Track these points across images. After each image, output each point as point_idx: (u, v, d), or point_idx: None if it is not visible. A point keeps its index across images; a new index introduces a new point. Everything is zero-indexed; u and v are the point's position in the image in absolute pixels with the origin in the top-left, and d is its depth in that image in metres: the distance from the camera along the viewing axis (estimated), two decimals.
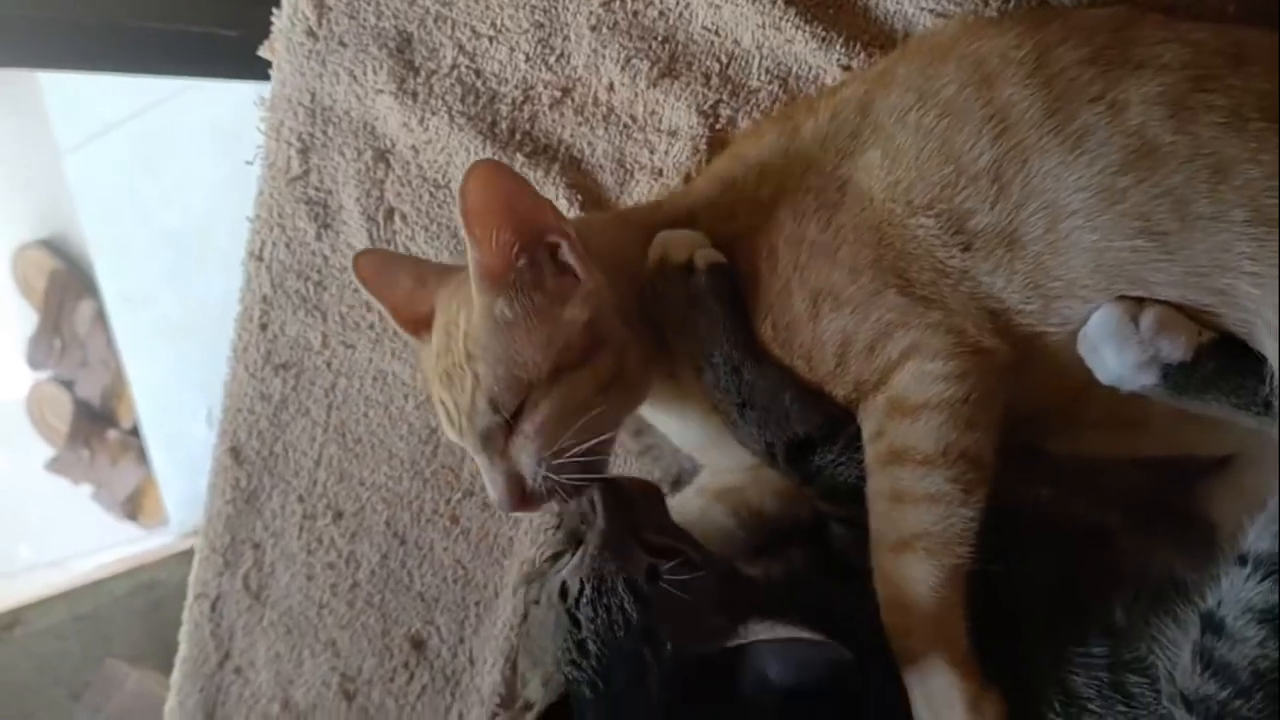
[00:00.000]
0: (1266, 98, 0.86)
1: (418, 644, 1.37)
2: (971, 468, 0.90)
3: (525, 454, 0.96)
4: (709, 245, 1.00)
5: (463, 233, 0.94)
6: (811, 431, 0.96)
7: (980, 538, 0.90)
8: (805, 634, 0.84)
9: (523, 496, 0.97)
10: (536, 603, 0.94)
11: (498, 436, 0.97)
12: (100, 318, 2.88)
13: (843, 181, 0.96)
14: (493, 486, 0.98)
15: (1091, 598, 0.93)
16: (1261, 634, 0.82)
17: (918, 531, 0.90)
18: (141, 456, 2.92)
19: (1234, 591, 0.84)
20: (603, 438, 0.97)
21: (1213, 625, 0.84)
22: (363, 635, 1.39)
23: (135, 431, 2.90)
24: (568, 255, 0.97)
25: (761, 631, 0.86)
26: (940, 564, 0.89)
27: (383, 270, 1.10)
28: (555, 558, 0.95)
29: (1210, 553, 0.91)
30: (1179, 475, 1.01)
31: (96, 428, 2.99)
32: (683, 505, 1.09)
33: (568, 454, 0.95)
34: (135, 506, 3.04)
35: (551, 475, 0.95)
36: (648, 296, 1.02)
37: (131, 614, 2.50)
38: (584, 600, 0.89)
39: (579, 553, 0.92)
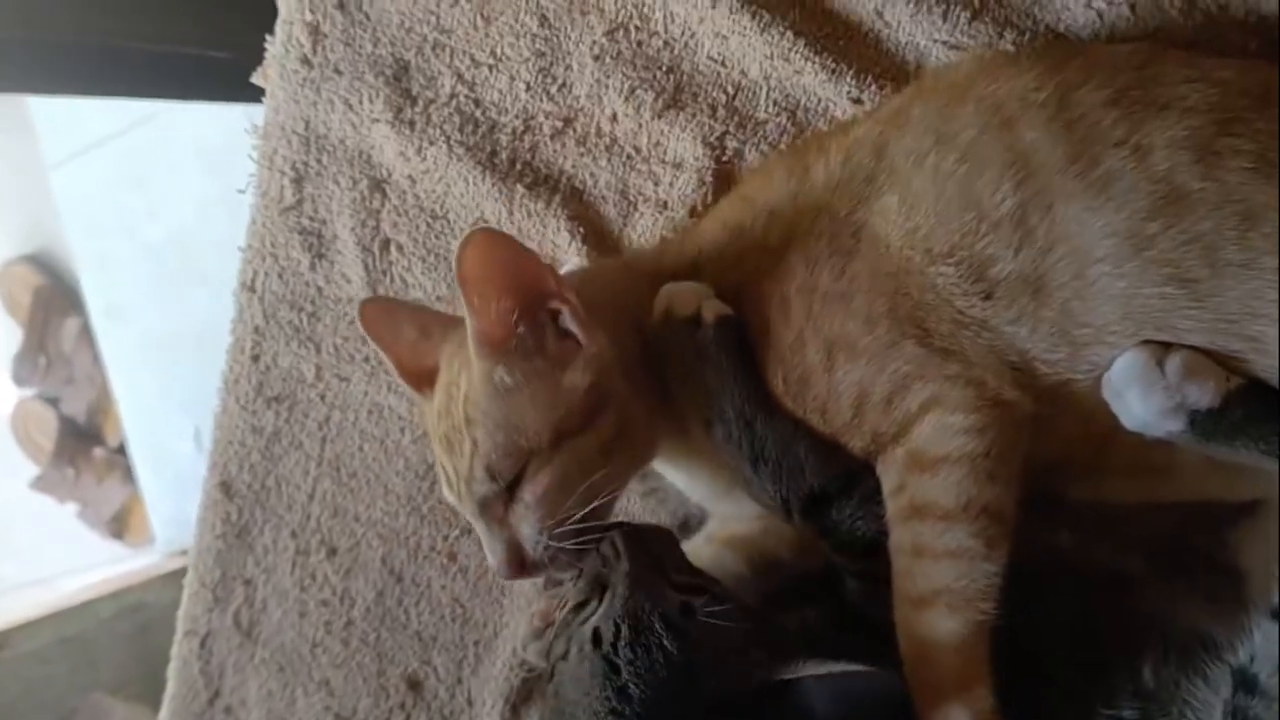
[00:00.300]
0: None
1: (414, 684, 1.34)
2: (993, 522, 0.88)
3: (526, 524, 0.95)
4: (714, 297, 0.98)
5: (460, 299, 0.92)
6: (827, 485, 0.94)
7: (1004, 592, 0.89)
8: (855, 666, 0.82)
9: (522, 565, 0.96)
10: (564, 658, 0.91)
11: (496, 505, 0.96)
12: (86, 334, 2.86)
13: (857, 227, 0.94)
14: (492, 554, 0.97)
15: (1116, 653, 0.91)
16: None
17: (940, 587, 0.88)
18: (128, 475, 2.89)
19: (1267, 647, 0.82)
20: (606, 499, 0.96)
21: (1245, 683, 0.83)
22: (358, 675, 1.36)
23: (121, 449, 2.88)
24: (569, 321, 0.96)
25: (810, 667, 0.84)
26: (964, 620, 0.87)
27: (388, 320, 1.07)
28: (579, 608, 0.92)
29: (1239, 603, 0.90)
30: (1205, 522, 0.99)
31: (82, 445, 2.97)
32: (694, 553, 1.06)
33: (571, 521, 0.93)
34: (121, 525, 3.01)
35: (553, 543, 0.94)
36: (654, 351, 1.00)
37: (118, 638, 2.46)
38: (621, 643, 0.86)
39: (608, 597, 0.89)
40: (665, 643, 0.85)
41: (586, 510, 0.93)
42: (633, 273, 1.06)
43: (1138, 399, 0.87)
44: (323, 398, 1.36)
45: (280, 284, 1.35)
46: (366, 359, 1.34)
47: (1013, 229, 0.88)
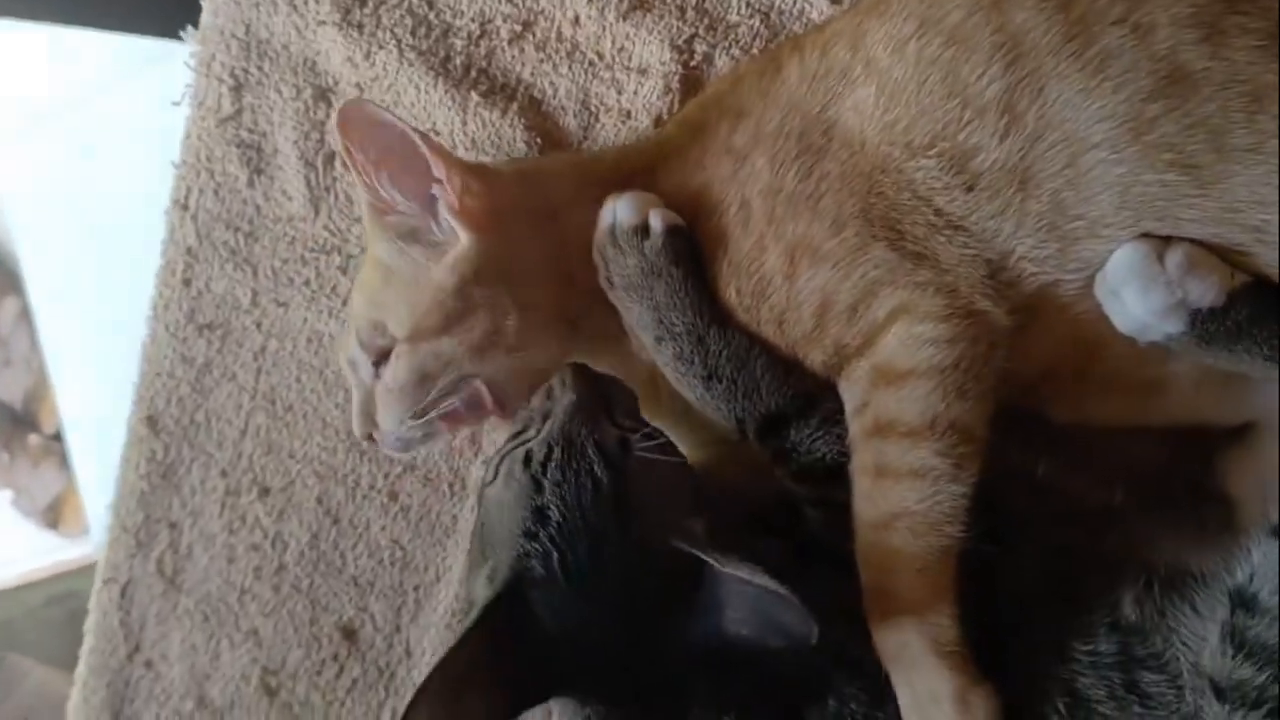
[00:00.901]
0: None
1: (349, 633, 1.28)
2: (962, 440, 0.84)
3: (385, 408, 0.97)
4: (662, 205, 0.93)
5: None
6: (785, 405, 0.91)
7: (972, 516, 0.84)
8: (787, 593, 0.75)
9: (372, 439, 1.00)
10: (491, 483, 0.88)
11: (364, 371, 0.98)
12: (25, 317, 2.75)
13: (829, 125, 0.90)
14: (353, 418, 1.00)
15: (1095, 587, 0.87)
16: None
17: (901, 509, 0.84)
18: (64, 463, 2.80)
19: (1267, 565, 0.78)
20: (473, 395, 0.97)
21: (1244, 602, 0.79)
22: (288, 624, 1.29)
23: (58, 437, 2.78)
24: (443, 211, 0.92)
25: (742, 570, 0.77)
26: (927, 544, 0.83)
27: (372, 134, 0.95)
28: (516, 435, 0.90)
29: (1229, 532, 0.87)
30: (1190, 449, 0.96)
31: (17, 431, 2.85)
32: None
33: (431, 411, 0.95)
34: (56, 515, 2.92)
35: (406, 434, 0.97)
36: (597, 264, 0.95)
37: (47, 624, 2.40)
38: (551, 464, 0.84)
39: (547, 424, 0.87)
40: (595, 469, 0.83)
41: (448, 403, 0.95)
42: (581, 173, 1.01)
43: (1135, 296, 0.82)
44: (259, 325, 1.31)
45: (216, 201, 1.29)
46: (307, 282, 1.28)
47: (999, 115, 0.84)
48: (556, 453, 0.84)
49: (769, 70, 0.95)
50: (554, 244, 0.96)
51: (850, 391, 0.88)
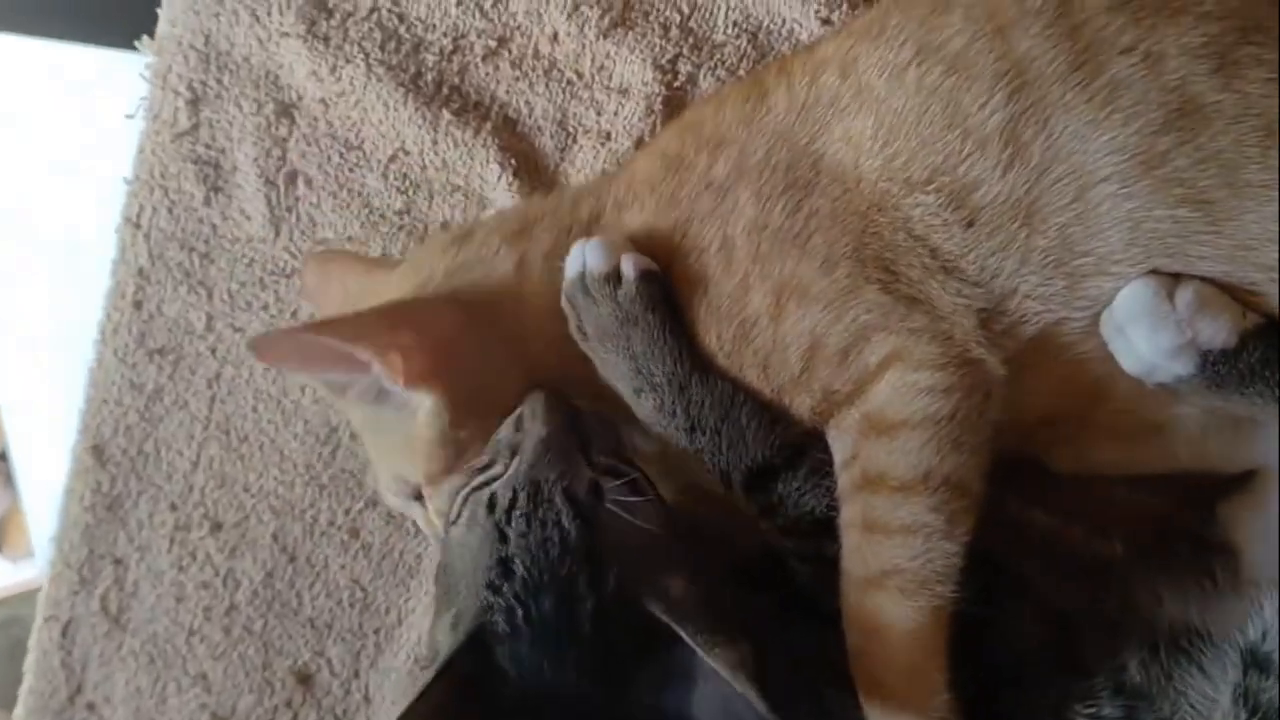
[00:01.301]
0: None
1: (304, 679, 1.22)
2: (955, 495, 0.81)
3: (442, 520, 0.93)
4: (633, 250, 0.89)
5: None
6: (771, 456, 0.87)
7: (965, 575, 0.81)
8: (761, 708, 0.71)
9: None
10: (454, 522, 0.84)
11: (411, 507, 0.97)
12: None
13: (818, 157, 0.86)
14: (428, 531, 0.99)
15: (1097, 648, 0.86)
16: None
17: (891, 568, 0.80)
18: (8, 483, 2.71)
19: None
20: None
21: (1257, 662, 0.78)
22: (239, 668, 1.24)
23: (3, 456, 2.70)
24: (386, 384, 0.90)
25: (721, 667, 0.72)
26: (917, 605, 0.80)
27: (325, 278, 1.03)
28: (483, 470, 0.85)
29: (1234, 584, 0.86)
30: (1191, 498, 0.95)
31: None
32: None
33: None
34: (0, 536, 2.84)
35: None
36: (566, 313, 0.91)
37: None
38: (516, 513, 0.80)
39: (514, 461, 0.83)
40: (564, 520, 0.78)
41: None
42: (524, 240, 0.95)
43: (1144, 335, 0.79)
44: (213, 351, 1.26)
45: (170, 220, 1.25)
46: (265, 307, 1.24)
47: (1002, 147, 0.81)
48: (521, 500, 0.80)
49: (753, 97, 0.91)
50: (515, 342, 0.92)
51: (839, 441, 0.85)
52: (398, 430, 0.91)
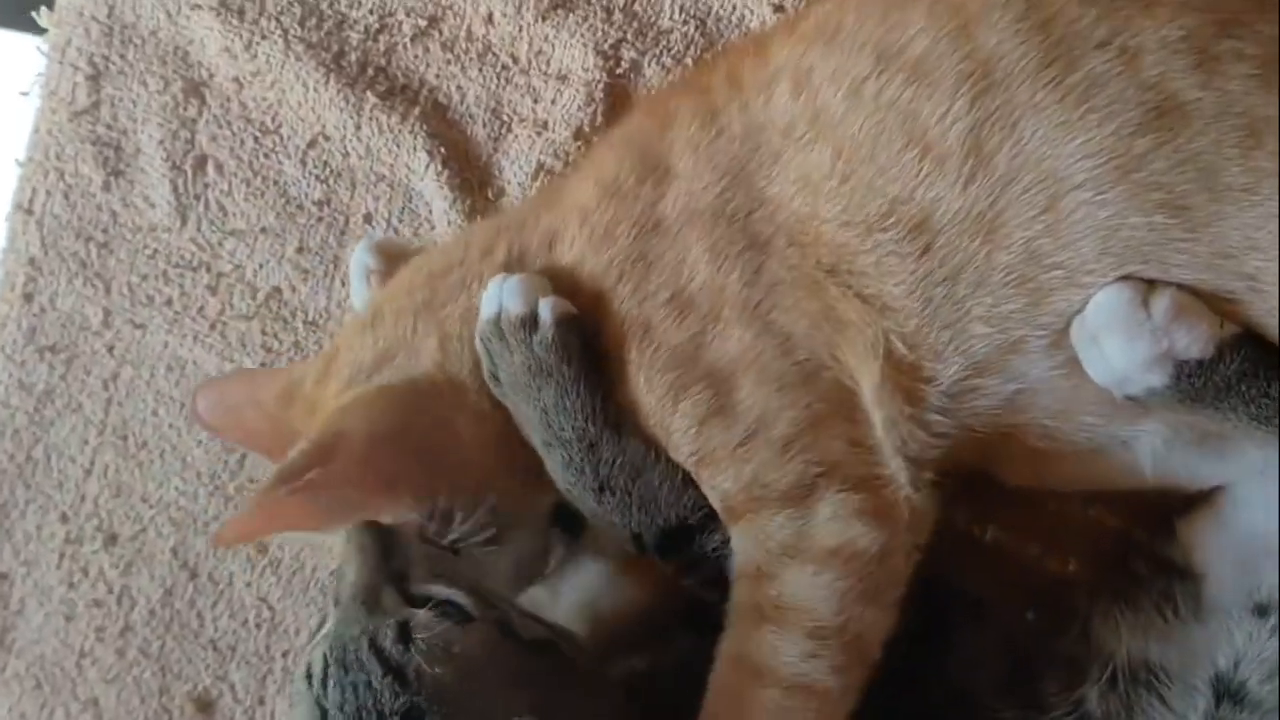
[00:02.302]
0: None
1: (204, 705, 1.16)
2: (862, 658, 0.79)
3: None
4: (552, 292, 0.86)
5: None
6: (686, 516, 0.85)
7: (918, 597, 0.81)
8: None
9: None
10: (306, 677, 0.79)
11: None
12: None
13: (775, 206, 0.83)
14: None
15: (1055, 679, 0.85)
16: None
17: None
18: None
19: (1255, 649, 0.77)
20: None
21: (1230, 692, 0.77)
22: (134, 693, 1.18)
23: None
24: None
25: None
26: None
27: (228, 408, 0.99)
28: (320, 625, 0.82)
29: (1196, 613, 0.84)
30: (1149, 514, 0.92)
31: None
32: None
33: None
34: None
35: None
36: (480, 355, 0.88)
37: None
38: (330, 683, 0.74)
39: (329, 620, 0.79)
40: (373, 681, 0.73)
41: None
42: (443, 305, 0.91)
43: (1118, 345, 0.76)
44: (110, 349, 1.22)
45: (65, 206, 1.23)
46: (169, 302, 1.21)
47: (963, 158, 0.77)
48: (332, 668, 0.74)
49: (702, 115, 0.87)
50: (468, 426, 0.89)
51: (750, 545, 0.81)
52: None
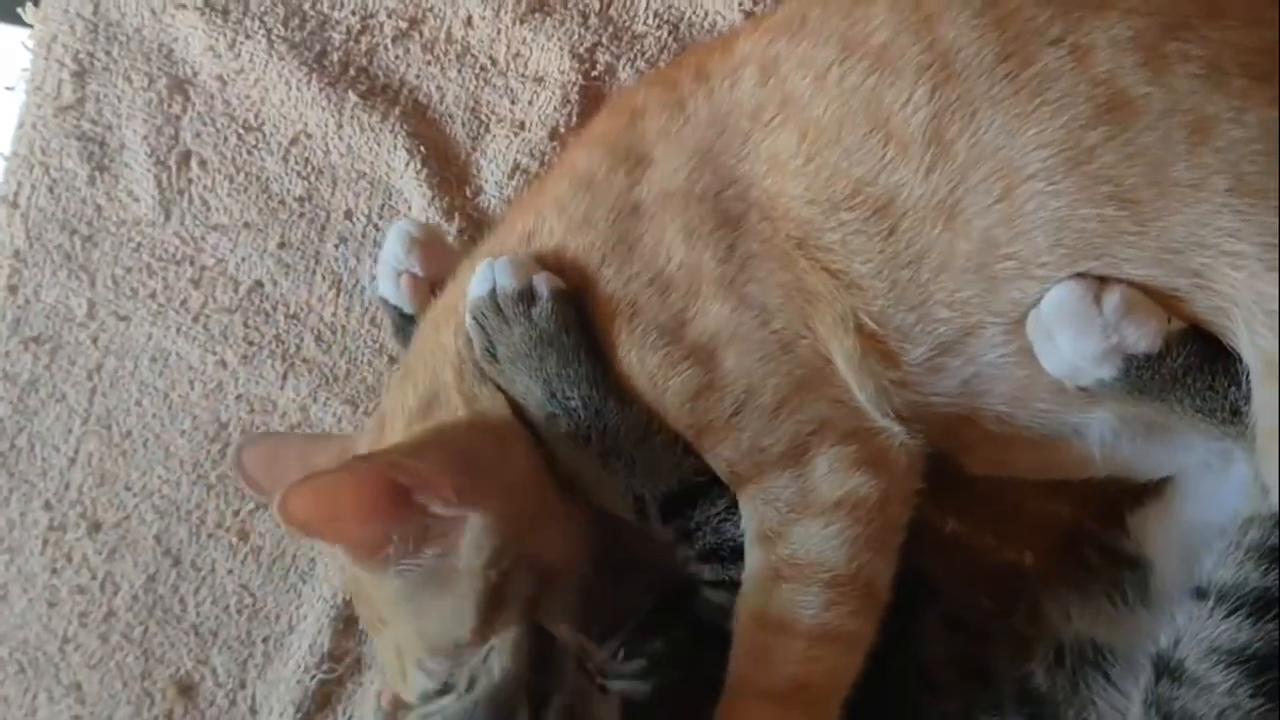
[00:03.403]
0: (1246, 53, 0.78)
1: (186, 689, 1.17)
2: (875, 600, 0.82)
3: None
4: (542, 269, 0.87)
5: None
6: (689, 482, 0.86)
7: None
8: None
9: None
10: None
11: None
12: None
13: (746, 185, 0.85)
14: None
15: (1004, 657, 0.88)
16: (1231, 679, 0.75)
17: (805, 679, 0.81)
18: None
19: (1194, 628, 0.78)
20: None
21: (1169, 669, 0.78)
22: (116, 677, 1.18)
23: None
24: (438, 509, 0.84)
25: None
26: (827, 710, 0.81)
27: (273, 463, 0.97)
28: (441, 692, 0.79)
29: (1144, 600, 0.87)
30: (1102, 506, 0.95)
31: None
32: None
33: None
34: None
35: None
36: (472, 335, 0.89)
37: None
38: None
39: (458, 702, 0.76)
40: None
41: None
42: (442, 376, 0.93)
43: (1070, 339, 0.78)
44: (95, 340, 1.22)
45: (50, 199, 1.23)
46: (153, 295, 1.21)
47: (925, 146, 0.79)
48: None
49: (670, 105, 0.89)
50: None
51: (761, 510, 0.84)
52: (436, 584, 0.86)
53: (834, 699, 0.81)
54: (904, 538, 0.83)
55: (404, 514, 0.83)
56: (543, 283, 0.86)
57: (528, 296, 0.85)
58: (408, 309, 1.01)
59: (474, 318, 0.87)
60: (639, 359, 0.85)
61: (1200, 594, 0.79)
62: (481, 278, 0.87)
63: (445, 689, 0.78)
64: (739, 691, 0.81)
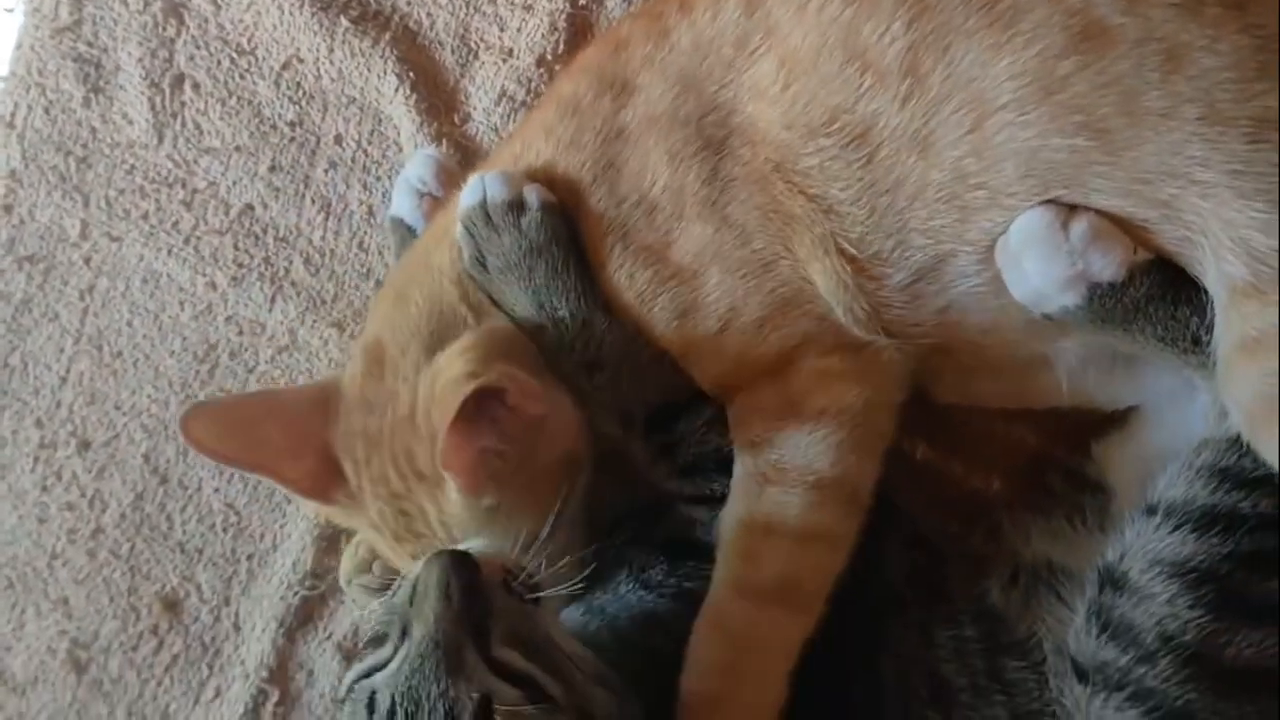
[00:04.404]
0: None
1: (171, 604, 1.17)
2: (859, 505, 0.84)
3: None
4: (532, 182, 0.88)
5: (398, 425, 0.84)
6: (673, 395, 0.87)
7: None
8: None
9: None
10: (342, 701, 0.77)
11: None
12: None
13: (727, 111, 0.85)
14: None
15: (962, 575, 0.89)
16: (1171, 590, 0.76)
17: (794, 579, 0.82)
18: None
19: (1141, 542, 0.79)
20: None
21: (1113, 580, 0.79)
22: (103, 592, 1.19)
23: None
24: (529, 409, 0.84)
25: None
26: (801, 625, 0.82)
27: (233, 429, 0.91)
28: (378, 640, 0.76)
29: (1102, 524, 0.88)
30: (1069, 434, 0.96)
31: None
32: None
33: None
34: None
35: None
36: (462, 245, 0.89)
37: None
38: None
39: (400, 652, 0.73)
40: None
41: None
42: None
43: (1036, 264, 0.79)
44: (87, 261, 1.22)
45: (46, 120, 1.23)
46: (145, 216, 1.21)
47: (901, 77, 0.80)
48: (400, 714, 0.70)
49: (655, 34, 0.90)
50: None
51: (747, 419, 0.85)
52: (521, 496, 0.86)
53: (818, 597, 0.82)
54: (888, 444, 0.85)
55: (490, 425, 0.83)
56: (533, 194, 0.87)
57: (517, 207, 0.86)
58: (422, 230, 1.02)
59: (464, 226, 0.88)
60: (627, 277, 0.86)
61: (1150, 510, 0.80)
62: (472, 189, 0.88)
63: (380, 638, 0.76)
64: (724, 593, 0.83)
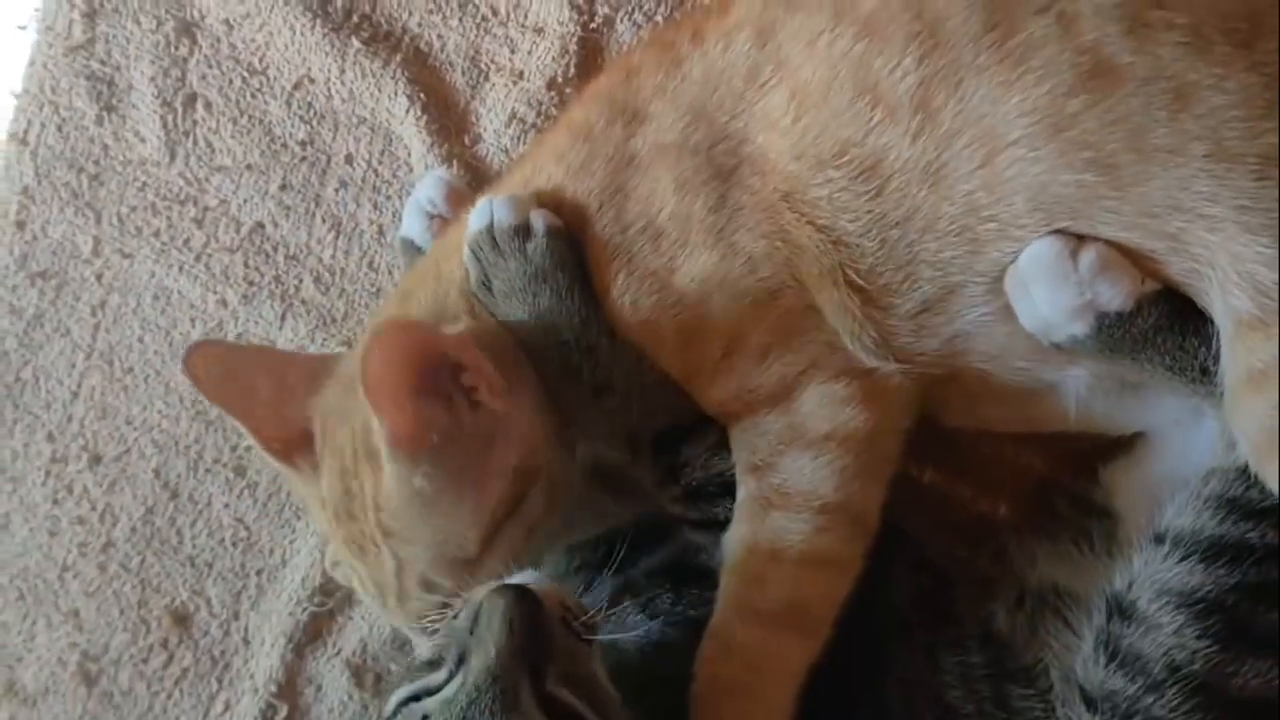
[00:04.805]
0: (1229, 20, 0.78)
1: (181, 618, 1.18)
2: (865, 529, 0.84)
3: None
4: (540, 207, 0.88)
5: (365, 402, 0.80)
6: (678, 419, 0.87)
7: None
8: None
9: None
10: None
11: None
12: None
13: (737, 141, 0.86)
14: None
15: (969, 600, 0.90)
16: (1179, 620, 0.76)
17: (800, 604, 0.82)
18: None
19: (1149, 571, 0.79)
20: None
21: (1121, 609, 0.79)
22: (114, 605, 1.19)
23: None
24: (485, 396, 0.84)
25: None
26: (807, 649, 0.82)
27: (228, 373, 0.92)
28: (430, 665, 0.76)
29: (1109, 549, 0.88)
30: (1076, 459, 0.96)
31: None
32: None
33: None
34: None
35: None
36: (469, 267, 0.89)
37: None
38: None
39: (455, 683, 0.72)
40: None
41: None
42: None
43: (1045, 293, 0.80)
44: (99, 277, 1.23)
45: (59, 138, 1.23)
46: (157, 233, 1.22)
47: (912, 112, 0.80)
48: None
49: (667, 64, 0.90)
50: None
51: (749, 443, 0.85)
52: (462, 492, 0.85)
53: (824, 621, 0.82)
54: (894, 469, 0.85)
55: (443, 402, 0.83)
56: (539, 219, 0.87)
57: (524, 232, 0.87)
58: None
59: (471, 250, 0.88)
60: (632, 303, 0.86)
61: (1158, 539, 0.80)
62: (480, 212, 0.88)
63: (435, 662, 0.75)
64: (730, 617, 0.83)
